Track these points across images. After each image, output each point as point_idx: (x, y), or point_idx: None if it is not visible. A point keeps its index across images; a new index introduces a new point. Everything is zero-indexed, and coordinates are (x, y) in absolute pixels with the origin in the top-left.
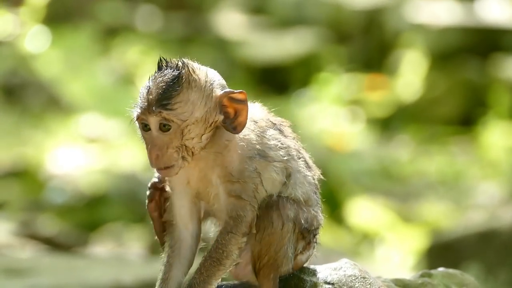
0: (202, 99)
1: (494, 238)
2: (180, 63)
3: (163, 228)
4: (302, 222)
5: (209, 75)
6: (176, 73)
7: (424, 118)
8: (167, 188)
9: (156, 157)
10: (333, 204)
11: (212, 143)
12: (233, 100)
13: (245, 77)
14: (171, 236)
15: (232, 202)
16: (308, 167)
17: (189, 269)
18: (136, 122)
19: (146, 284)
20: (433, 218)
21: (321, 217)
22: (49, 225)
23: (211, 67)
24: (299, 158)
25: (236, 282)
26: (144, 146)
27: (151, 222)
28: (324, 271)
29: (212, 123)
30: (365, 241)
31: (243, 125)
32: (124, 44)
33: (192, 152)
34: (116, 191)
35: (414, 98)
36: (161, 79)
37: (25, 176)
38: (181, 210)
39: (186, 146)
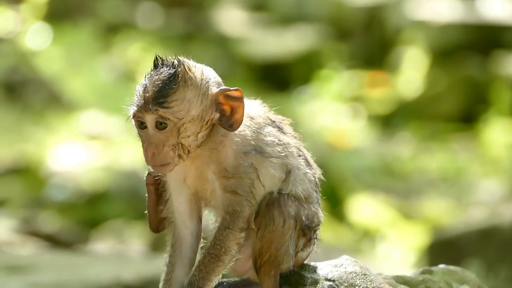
0: (198, 97)
1: (495, 235)
2: (176, 61)
3: (157, 203)
4: (303, 219)
5: (205, 73)
6: (172, 71)
7: (425, 115)
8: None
9: (152, 155)
10: (334, 201)
11: (208, 140)
12: (229, 97)
13: (246, 74)
14: (172, 235)
15: (228, 197)
16: (309, 165)
17: (191, 268)
18: (133, 120)
19: (147, 281)
20: (434, 215)
21: (322, 214)
22: (50, 222)
23: (212, 64)
24: (299, 156)
25: (237, 278)
26: (140, 144)
27: (146, 195)
28: (324, 268)
29: (208, 121)
30: (366, 238)
31: (239, 123)
32: (125, 41)
33: (188, 150)
34: (117, 188)
35: (415, 95)
36: (157, 77)
37: (26, 173)
38: (180, 208)
39: (182, 144)
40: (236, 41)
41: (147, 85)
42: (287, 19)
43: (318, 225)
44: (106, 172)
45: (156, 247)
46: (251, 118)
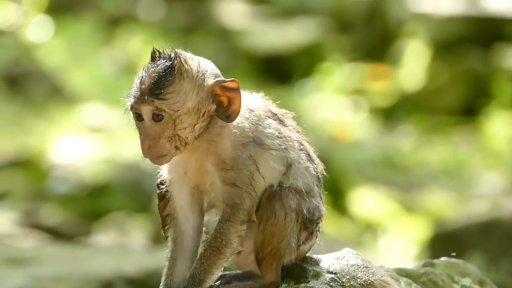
0: (194, 89)
1: (497, 228)
2: (172, 54)
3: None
4: (305, 212)
5: (201, 65)
6: (169, 64)
7: (427, 108)
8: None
9: (149, 147)
10: (336, 194)
11: (206, 132)
12: (225, 88)
13: (247, 66)
14: (173, 230)
15: (228, 190)
16: (311, 159)
17: (193, 262)
18: (130, 112)
19: (149, 273)
20: (436, 208)
21: (323, 208)
22: (52, 215)
23: (214, 56)
24: (301, 150)
25: (238, 271)
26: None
27: (160, 219)
28: (326, 261)
29: (205, 112)
30: (368, 231)
31: (236, 113)
32: (126, 33)
33: (185, 142)
34: (119, 181)
35: (417, 88)
36: (153, 69)
37: (28, 165)
38: (181, 202)
39: (178, 136)
40: (238, 33)
41: (144, 77)
42: (289, 12)
43: (320, 218)
44: (108, 165)
45: (157, 239)
46: (250, 110)
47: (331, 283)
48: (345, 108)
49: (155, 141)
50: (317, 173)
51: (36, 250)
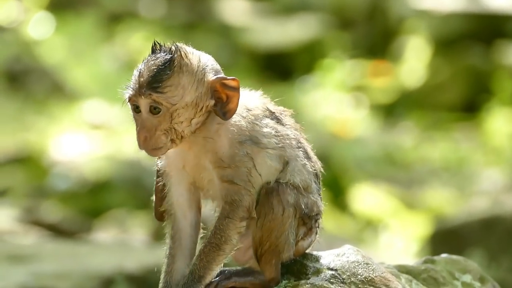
0: (193, 84)
1: (498, 225)
2: (173, 47)
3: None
4: (303, 207)
5: (202, 60)
6: (168, 57)
7: (428, 104)
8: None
9: (144, 139)
10: (337, 190)
11: (204, 128)
12: (225, 86)
13: (248, 63)
14: (171, 227)
15: (226, 187)
16: (308, 157)
17: (191, 258)
18: (129, 103)
19: (150, 270)
20: (437, 205)
21: (321, 204)
22: (52, 212)
23: (215, 53)
24: (298, 148)
25: (238, 267)
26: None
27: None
28: (327, 257)
29: (202, 107)
30: (369, 227)
31: (233, 112)
32: (127, 30)
33: (181, 136)
34: (120, 178)
35: (418, 84)
36: (153, 62)
37: (28, 162)
38: (179, 198)
39: (175, 129)
40: (239, 30)
41: (143, 69)
42: (290, 9)
43: (318, 214)
44: (109, 162)
45: (158, 236)
46: (248, 109)
47: (331, 280)
48: (346, 105)
49: (151, 133)
50: (315, 170)
51: (37, 247)
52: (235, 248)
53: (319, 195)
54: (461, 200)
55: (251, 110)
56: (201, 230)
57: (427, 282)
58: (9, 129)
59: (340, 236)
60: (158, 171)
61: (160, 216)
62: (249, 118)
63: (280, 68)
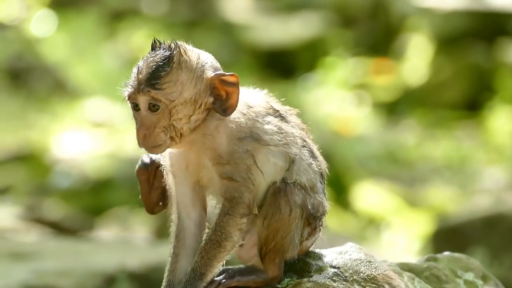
0: (192, 80)
1: (500, 223)
2: (173, 45)
3: (149, 191)
4: (309, 207)
5: (201, 57)
6: (167, 54)
7: (430, 102)
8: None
9: (144, 136)
10: (339, 188)
11: (203, 126)
12: (224, 82)
13: (250, 61)
14: (175, 226)
15: (226, 184)
16: (314, 156)
17: None
18: (128, 102)
19: (152, 268)
20: (439, 203)
21: (327, 204)
22: (54, 209)
23: (217, 51)
24: (304, 147)
25: (241, 265)
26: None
27: (138, 186)
28: (329, 255)
29: (201, 104)
30: (371, 225)
31: (233, 108)
32: (130, 28)
33: (181, 133)
34: (122, 176)
35: (420, 82)
36: (152, 59)
37: (30, 160)
38: (183, 198)
39: (174, 126)
40: (241, 28)
41: (142, 66)
42: (292, 6)
43: (324, 214)
44: (111, 159)
45: (160, 234)
46: (249, 106)
47: (334, 278)
48: (348, 103)
49: (150, 131)
50: (320, 170)
51: (39, 245)
52: (236, 245)
53: (324, 194)
54: (463, 198)
55: (252, 107)
56: (206, 230)
57: (429, 280)
58: (11, 127)
59: (343, 234)
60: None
61: (151, 210)
62: (250, 115)
63: (282, 66)
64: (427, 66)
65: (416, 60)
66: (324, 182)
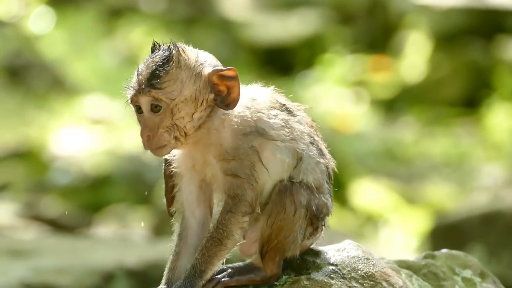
0: (191, 78)
1: (498, 220)
2: (171, 45)
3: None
4: (313, 208)
5: (200, 56)
6: (166, 54)
7: (428, 99)
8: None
9: (148, 138)
10: (337, 185)
11: (209, 122)
12: (223, 77)
13: (249, 58)
14: (179, 225)
15: (229, 180)
16: (322, 154)
17: None
18: (131, 105)
19: (150, 265)
20: (437, 200)
21: (331, 204)
22: (53, 206)
23: (215, 48)
24: (312, 144)
25: (240, 263)
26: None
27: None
28: (327, 252)
29: (203, 101)
30: (369, 222)
31: (236, 102)
32: (128, 25)
33: (185, 132)
34: (120, 173)
35: (418, 79)
36: (151, 60)
37: (29, 157)
38: (189, 196)
39: (177, 125)
40: (240, 25)
41: (142, 69)
42: (290, 3)
43: (327, 215)
44: (109, 156)
45: (159, 231)
46: (253, 100)
47: (332, 275)
48: (346, 100)
49: (154, 132)
50: (327, 169)
51: (37, 242)
52: (237, 243)
53: (330, 195)
54: (461, 195)
55: (256, 101)
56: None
57: (427, 277)
58: (10, 124)
59: (341, 231)
60: (165, 173)
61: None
62: (254, 108)
63: (281, 63)
64: (425, 63)
65: (414, 57)
66: (330, 182)
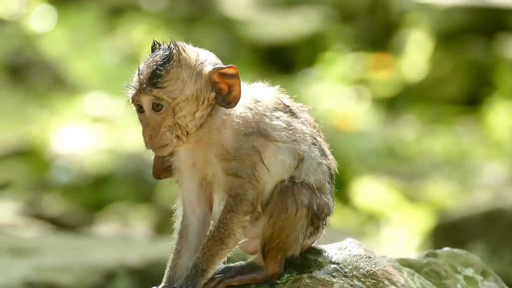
0: (192, 77)
1: (499, 218)
2: (171, 44)
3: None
4: (315, 208)
5: (200, 54)
6: (167, 53)
7: (430, 98)
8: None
9: (150, 137)
10: (339, 184)
11: (210, 121)
12: (223, 75)
13: (250, 56)
14: (179, 222)
15: (230, 180)
16: (324, 155)
17: None
18: (132, 104)
19: (151, 263)
20: (438, 198)
21: (333, 204)
22: (54, 205)
23: (216, 46)
24: (314, 145)
25: (242, 263)
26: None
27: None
28: (329, 251)
29: (204, 100)
30: (371, 221)
31: (237, 100)
32: (129, 23)
33: (187, 131)
34: (122, 171)
35: (420, 77)
36: (152, 59)
37: (30, 155)
38: (189, 194)
39: (179, 124)
40: (241, 23)
41: (143, 68)
42: (292, 2)
43: (328, 215)
44: (110, 155)
45: (160, 229)
46: (256, 100)
47: (333, 273)
48: (347, 98)
49: (156, 131)
50: (329, 169)
51: (39, 240)
52: (238, 243)
53: (331, 195)
54: (463, 193)
55: (259, 102)
56: (210, 227)
57: (429, 275)
58: (11, 122)
59: (342, 229)
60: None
61: (158, 175)
62: (257, 109)
63: (282, 61)
64: (426, 61)
65: (416, 55)
66: (332, 183)
